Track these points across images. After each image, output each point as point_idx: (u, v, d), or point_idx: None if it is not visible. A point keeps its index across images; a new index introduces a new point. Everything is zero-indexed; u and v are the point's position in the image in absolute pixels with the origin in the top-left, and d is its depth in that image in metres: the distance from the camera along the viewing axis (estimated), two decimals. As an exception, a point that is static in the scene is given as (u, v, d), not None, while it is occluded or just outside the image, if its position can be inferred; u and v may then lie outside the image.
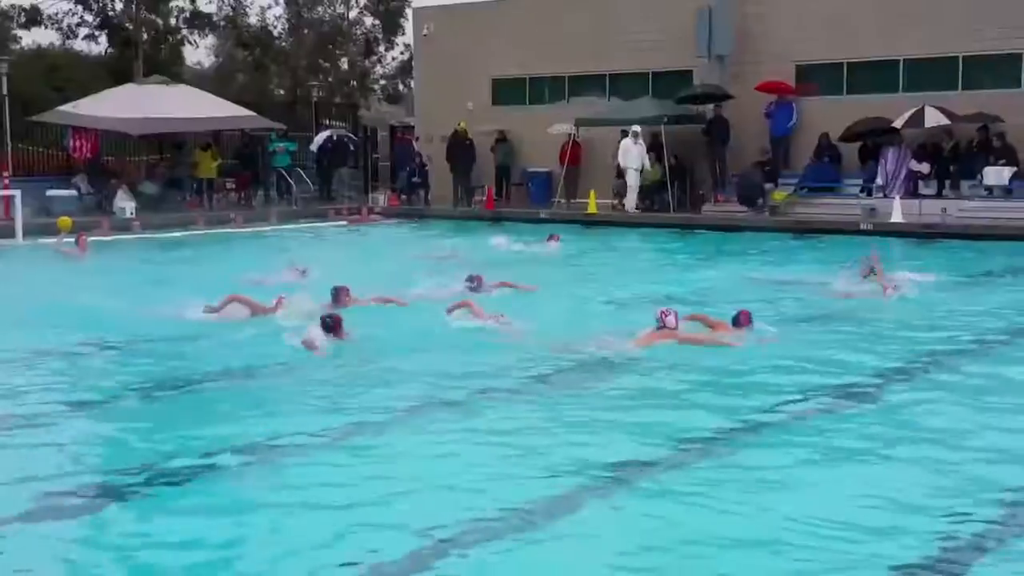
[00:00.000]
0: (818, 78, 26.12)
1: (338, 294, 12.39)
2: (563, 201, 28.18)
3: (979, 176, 23.00)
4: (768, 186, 24.64)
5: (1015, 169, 22.58)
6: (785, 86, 25.92)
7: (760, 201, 24.64)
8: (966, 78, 24.10)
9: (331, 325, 10.79)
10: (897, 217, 22.36)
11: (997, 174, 22.70)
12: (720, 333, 10.98)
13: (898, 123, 23.51)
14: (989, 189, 22.85)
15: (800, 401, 9.12)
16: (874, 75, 25.26)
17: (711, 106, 26.45)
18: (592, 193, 26.63)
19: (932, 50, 24.28)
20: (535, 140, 29.47)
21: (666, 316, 10.78)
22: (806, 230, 23.01)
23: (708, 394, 9.40)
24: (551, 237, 20.27)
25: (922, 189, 23.62)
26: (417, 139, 32.61)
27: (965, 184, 23.27)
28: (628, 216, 26.20)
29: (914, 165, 23.69)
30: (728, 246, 21.44)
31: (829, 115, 25.04)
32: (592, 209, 26.46)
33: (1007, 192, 22.66)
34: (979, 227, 21.51)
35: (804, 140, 25.68)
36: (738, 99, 26.02)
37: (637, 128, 25.80)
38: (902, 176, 23.67)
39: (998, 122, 23.05)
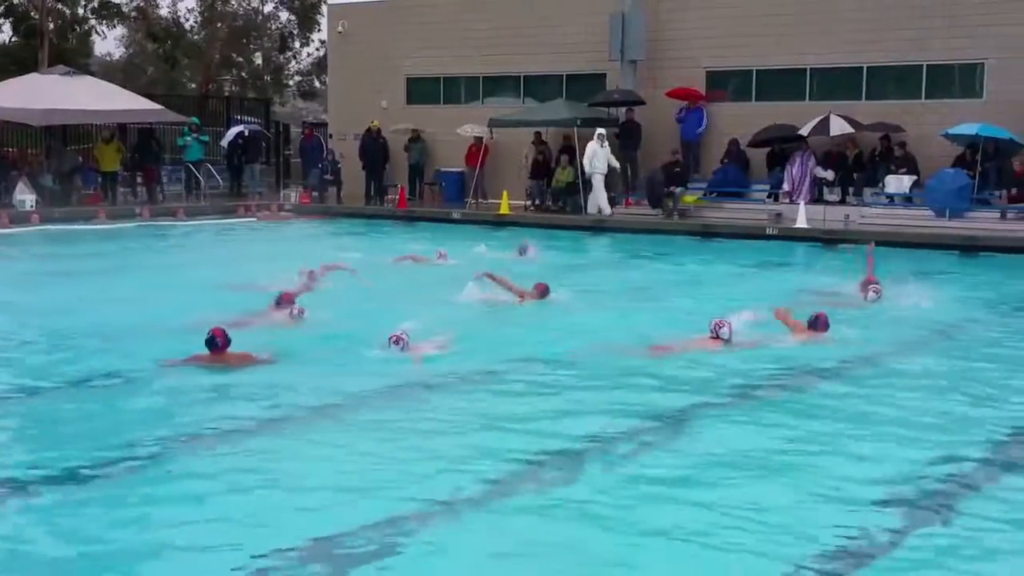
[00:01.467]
0: (728, 85, 26.52)
1: (281, 300, 12.42)
2: (474, 201, 28.20)
3: (881, 184, 23.54)
4: (678, 189, 24.90)
5: (915, 178, 23.14)
6: (695, 92, 26.27)
7: (670, 204, 24.89)
8: (870, 88, 24.64)
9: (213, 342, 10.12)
10: (802, 223, 22.76)
11: (898, 182, 23.25)
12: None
13: (804, 131, 23.94)
14: (890, 197, 23.39)
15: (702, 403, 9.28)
16: (782, 83, 25.69)
17: (624, 110, 26.68)
18: (505, 194, 26.66)
19: (838, 59, 24.78)
20: (449, 140, 29.46)
21: (720, 328, 11.00)
22: (713, 233, 23.33)
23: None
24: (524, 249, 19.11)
25: (827, 196, 24.07)
26: (330, 136, 32.38)
27: (868, 191, 23.79)
28: (538, 217, 26.32)
29: (819, 172, 24.13)
30: (640, 248, 21.62)
31: (738, 121, 25.42)
32: (504, 210, 26.50)
33: (907, 200, 23.21)
34: (880, 233, 21.97)
35: (714, 145, 26.05)
36: (650, 103, 26.29)
37: (602, 130, 25.39)
38: (807, 182, 24.10)
39: (899, 131, 23.60)
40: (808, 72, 25.37)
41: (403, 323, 10.84)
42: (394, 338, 10.43)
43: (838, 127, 23.63)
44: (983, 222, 21.84)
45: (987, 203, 22.43)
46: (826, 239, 22.16)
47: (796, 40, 25.10)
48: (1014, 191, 22.05)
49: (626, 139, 26.51)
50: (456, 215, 27.03)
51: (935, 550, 6.20)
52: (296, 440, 8.12)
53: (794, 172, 24.22)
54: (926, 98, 23.93)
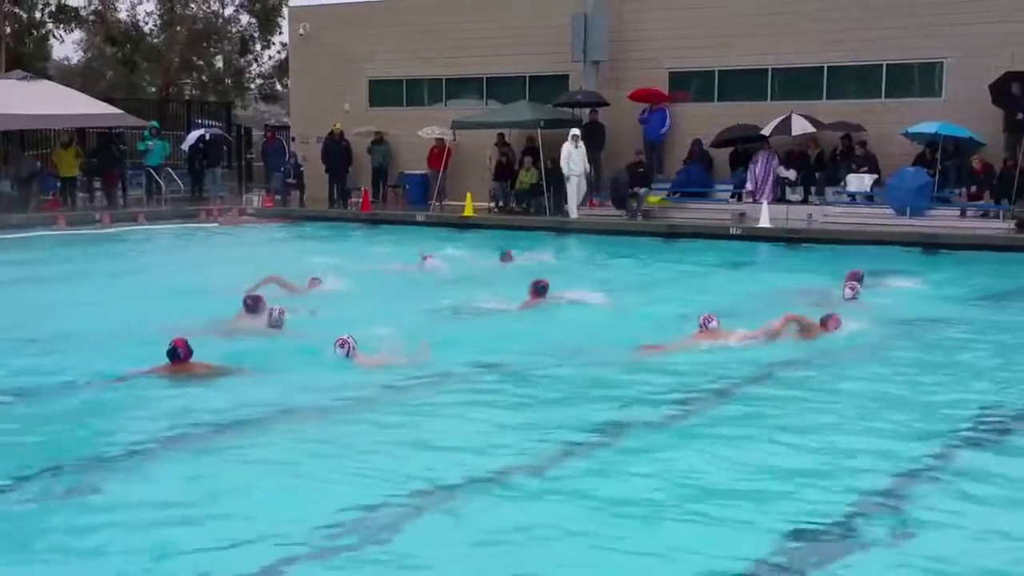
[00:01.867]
0: (690, 85, 26.60)
1: (254, 304, 12.17)
2: (438, 204, 28.12)
3: (843, 183, 23.69)
4: (642, 190, 24.94)
5: (876, 176, 23.30)
6: (658, 93, 26.33)
7: (634, 205, 24.93)
8: (831, 87, 24.79)
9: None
10: (765, 222, 22.85)
11: (859, 181, 23.41)
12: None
13: (767, 130, 24.04)
14: (852, 196, 23.55)
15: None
16: (744, 83, 25.80)
17: (587, 111, 26.69)
18: (468, 196, 26.61)
19: (799, 60, 24.92)
20: (412, 142, 29.36)
21: (709, 322, 11.55)
22: (678, 234, 23.38)
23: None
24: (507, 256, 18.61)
25: (789, 195, 24.19)
26: (293, 139, 32.19)
27: (830, 190, 23.93)
28: (502, 219, 26.30)
29: (782, 171, 24.24)
30: (609, 248, 21.64)
31: (701, 121, 25.49)
32: (468, 212, 26.44)
33: (868, 199, 23.37)
34: (842, 232, 22.14)
35: (677, 146, 26.11)
36: (613, 104, 26.32)
37: (576, 131, 25.19)
38: (770, 182, 24.21)
39: (860, 131, 23.76)
40: (770, 72, 25.48)
41: (380, 329, 10.77)
42: (340, 342, 10.28)
43: (800, 127, 23.74)
44: (943, 220, 22.03)
45: (947, 201, 22.61)
46: (789, 238, 22.28)
47: (757, 40, 25.19)
48: (973, 189, 22.27)
49: (590, 140, 26.48)
50: (420, 217, 26.94)
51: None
52: (244, 453, 7.97)
53: (757, 172, 24.32)
54: (886, 97, 24.10)
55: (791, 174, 24.24)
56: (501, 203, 27.68)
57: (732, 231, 23.03)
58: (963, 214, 22.17)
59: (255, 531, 6.22)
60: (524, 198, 27.09)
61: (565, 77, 27.61)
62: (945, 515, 6.69)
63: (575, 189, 25.14)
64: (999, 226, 21.47)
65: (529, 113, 26.65)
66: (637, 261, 20.00)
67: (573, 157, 24.92)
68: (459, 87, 30.00)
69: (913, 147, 23.15)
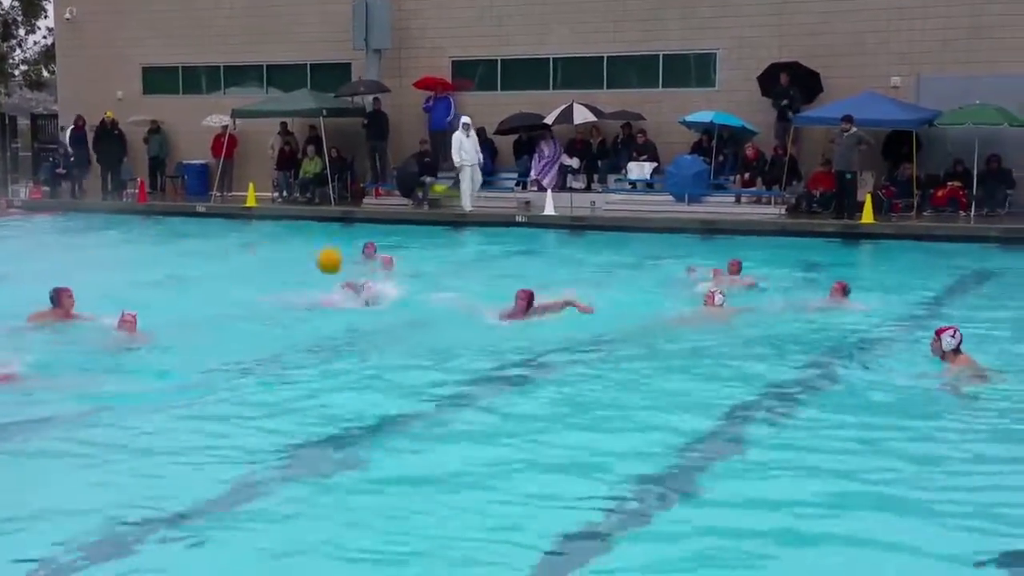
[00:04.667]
0: (474, 74, 26.57)
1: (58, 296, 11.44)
2: (219, 194, 27.20)
3: (624, 171, 24.15)
4: (428, 179, 24.76)
5: (655, 164, 23.85)
6: (443, 82, 26.19)
7: (420, 194, 24.73)
8: (611, 77, 25.21)
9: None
10: (550, 210, 23.05)
11: (639, 169, 23.92)
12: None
13: (549, 119, 24.27)
14: (633, 183, 24.04)
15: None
16: (527, 72, 25.97)
17: (371, 99, 26.30)
18: (251, 186, 25.84)
19: (579, 49, 25.23)
20: (191, 131, 28.33)
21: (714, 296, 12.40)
22: (464, 223, 23.33)
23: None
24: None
25: (572, 183, 24.51)
26: (62, 129, 30.52)
27: (612, 178, 24.36)
28: (285, 210, 25.70)
29: (565, 160, 24.54)
30: (397, 238, 21.31)
31: (485, 110, 25.50)
32: (251, 203, 25.68)
33: (649, 186, 23.90)
34: (624, 219, 22.56)
35: (462, 134, 26.03)
36: (398, 93, 26.05)
37: (467, 119, 24.17)
38: (554, 170, 24.45)
39: (640, 119, 24.26)
40: (551, 61, 25.73)
41: None
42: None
43: (581, 115, 24.09)
44: (720, 206, 22.74)
45: (723, 188, 23.35)
46: (574, 226, 22.55)
47: (539, 30, 25.39)
48: (747, 176, 23.06)
49: (373, 129, 26.16)
50: (201, 208, 26.03)
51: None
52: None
53: (540, 160, 24.50)
54: (664, 87, 24.68)
55: (574, 162, 24.56)
56: (285, 193, 27.02)
57: (518, 219, 23.14)
58: (738, 200, 22.95)
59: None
60: (308, 188, 26.50)
61: (348, 65, 27.17)
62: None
63: (468, 179, 24.05)
64: (771, 211, 22.32)
65: (311, 102, 26.09)
66: (424, 251, 19.80)
67: (464, 146, 23.86)
68: (239, 75, 29.10)
69: (690, 135, 23.82)
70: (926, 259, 18.29)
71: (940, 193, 21.84)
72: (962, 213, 21.47)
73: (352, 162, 26.78)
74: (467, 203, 23.90)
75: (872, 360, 10.45)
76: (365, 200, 25.80)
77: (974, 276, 16.44)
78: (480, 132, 25.31)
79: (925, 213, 21.69)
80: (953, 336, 9.57)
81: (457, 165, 23.91)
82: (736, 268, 14.88)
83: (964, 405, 8.86)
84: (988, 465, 7.46)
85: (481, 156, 24.07)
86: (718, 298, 12.41)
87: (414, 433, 8.10)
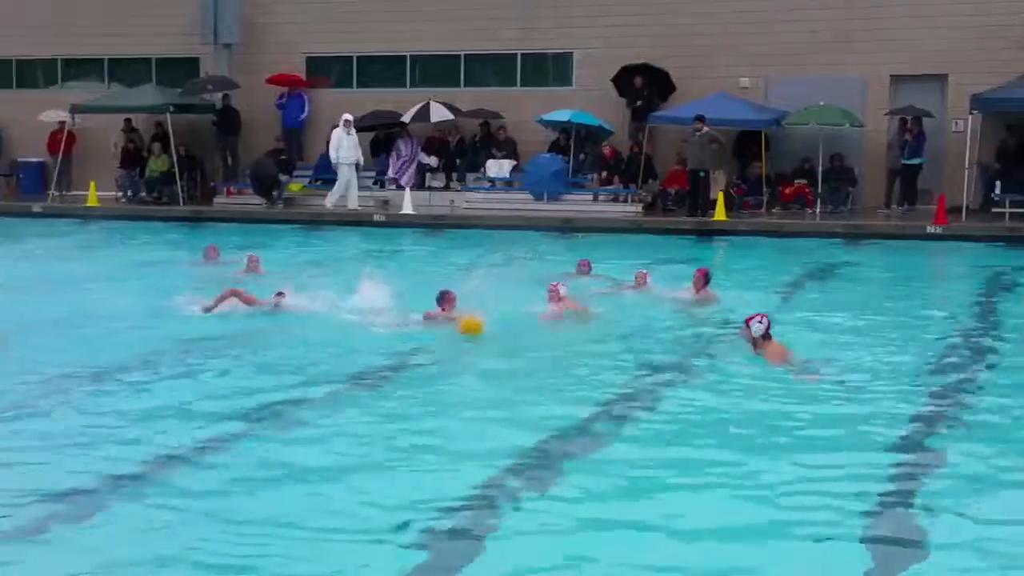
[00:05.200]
0: (329, 71, 26.20)
1: None
2: (58, 193, 26.09)
3: (483, 169, 24.19)
4: (284, 178, 24.28)
5: (514, 162, 23.98)
6: (296, 78, 25.75)
7: (275, 193, 24.22)
8: (469, 75, 25.21)
9: None
10: (408, 209, 22.91)
11: (498, 167, 24.01)
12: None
13: (406, 117, 24.14)
14: (492, 181, 24.11)
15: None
16: (383, 69, 25.78)
17: (220, 95, 25.64)
18: (92, 185, 24.85)
19: (437, 47, 25.14)
20: (26, 127, 27.07)
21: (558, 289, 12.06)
22: (321, 222, 22.98)
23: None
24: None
25: (431, 181, 24.42)
26: None
27: (471, 177, 24.37)
28: (130, 210, 24.86)
29: (423, 158, 24.43)
30: (253, 238, 20.82)
31: (341, 108, 25.03)
32: (92, 202, 24.70)
33: (508, 184, 24.02)
34: (483, 218, 22.58)
35: (318, 132, 25.60)
36: (250, 90, 25.49)
37: (348, 116, 23.43)
38: (412, 169, 24.31)
39: (498, 118, 24.34)
40: (408, 59, 25.59)
41: None
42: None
43: (439, 114, 24.07)
44: (578, 204, 23.01)
45: (581, 186, 23.62)
46: (433, 224, 22.46)
47: (395, 27, 25.18)
48: (604, 174, 23.38)
49: (224, 126, 25.54)
50: (37, 208, 24.95)
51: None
52: None
53: (398, 159, 24.32)
54: (522, 86, 24.83)
55: (432, 161, 24.48)
56: (130, 192, 26.07)
57: (376, 218, 22.93)
58: (596, 198, 23.25)
59: None
60: (155, 187, 25.64)
61: (196, 61, 26.45)
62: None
63: (343, 179, 23.35)
64: (628, 209, 22.69)
65: (157, 97, 25.29)
66: (280, 251, 19.38)
67: (343, 144, 23.25)
68: (78, 69, 28.00)
69: (548, 134, 24.01)
70: (775, 254, 18.91)
71: (788, 190, 22.60)
72: (808, 210, 22.26)
73: (202, 160, 26.03)
74: (330, 201, 23.49)
75: (714, 350, 10.77)
76: (216, 199, 25.12)
77: (819, 270, 17.03)
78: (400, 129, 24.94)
79: (774, 210, 22.40)
80: (760, 322, 9.87)
81: (334, 163, 23.43)
82: (586, 268, 15.06)
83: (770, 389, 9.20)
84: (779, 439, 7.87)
85: (361, 155, 23.62)
86: (562, 290, 12.06)
87: (266, 436, 7.96)
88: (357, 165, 23.58)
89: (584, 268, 15.05)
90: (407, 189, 23.37)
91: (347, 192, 23.45)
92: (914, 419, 8.49)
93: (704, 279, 13.23)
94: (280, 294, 12.34)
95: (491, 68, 25.21)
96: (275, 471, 7.06)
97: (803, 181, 22.54)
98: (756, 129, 22.42)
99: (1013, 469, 7.35)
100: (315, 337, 11.15)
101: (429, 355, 10.58)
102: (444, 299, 11.51)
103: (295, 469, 7.09)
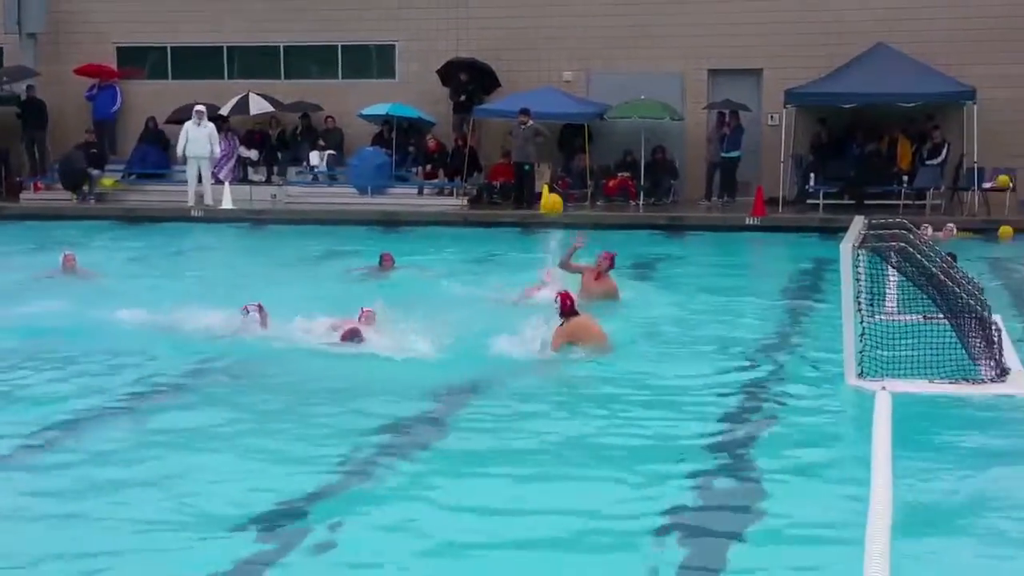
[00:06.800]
0: (142, 61, 25.22)
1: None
2: None
3: (305, 163, 23.70)
4: (95, 172, 23.24)
5: (336, 155, 23.55)
6: (107, 69, 24.72)
7: (86, 188, 23.17)
8: (289, 67, 24.64)
9: None
10: (228, 204, 22.24)
11: (320, 160, 23.54)
12: None
13: (225, 110, 23.47)
14: (315, 175, 23.64)
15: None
16: (200, 60, 24.96)
17: (24, 86, 24.37)
18: None
19: (255, 38, 24.49)
20: None
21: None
22: (136, 218, 22.10)
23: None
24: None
25: (252, 175, 23.80)
26: None
27: (293, 170, 23.83)
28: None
29: (243, 151, 23.81)
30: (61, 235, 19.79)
31: (156, 99, 24.35)
32: None
33: (332, 178, 23.58)
34: (307, 212, 22.09)
35: (130, 124, 24.63)
36: (59, 80, 24.36)
37: (201, 108, 22.22)
38: (231, 162, 23.62)
39: (319, 110, 23.88)
40: (225, 50, 24.84)
41: None
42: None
43: (258, 106, 23.54)
44: (403, 197, 22.72)
45: (405, 180, 23.33)
46: (255, 219, 21.87)
47: (212, 17, 24.44)
48: (429, 168, 23.16)
49: (29, 118, 24.29)
50: None
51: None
52: None
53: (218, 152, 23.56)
54: (344, 78, 24.38)
55: (252, 154, 23.90)
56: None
57: (194, 214, 22.18)
58: (421, 192, 23.00)
59: None
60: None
61: (-1, 50, 25.14)
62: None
63: (194, 174, 22.27)
64: (454, 203, 22.52)
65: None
66: (96, 250, 18.48)
67: (192, 136, 22.08)
68: None
69: (372, 127, 23.66)
70: (600, 246, 18.88)
71: (612, 183, 22.79)
72: (632, 202, 22.48)
73: (7, 154, 24.68)
74: (192, 198, 22.50)
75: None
76: (23, 195, 23.85)
77: (642, 263, 17.17)
78: (151, 122, 24.09)
79: (598, 203, 22.55)
80: (557, 301, 10.02)
81: (180, 156, 22.54)
82: (389, 262, 14.83)
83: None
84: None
85: (217, 148, 22.54)
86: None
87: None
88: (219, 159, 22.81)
89: (387, 262, 14.79)
90: (227, 183, 22.67)
91: (201, 187, 22.43)
92: (726, 405, 8.60)
93: (610, 262, 12.69)
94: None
95: (312, 60, 24.69)
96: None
97: (626, 174, 22.75)
98: (579, 122, 22.53)
99: (821, 464, 7.43)
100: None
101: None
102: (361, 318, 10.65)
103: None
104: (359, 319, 10.52)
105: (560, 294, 10.08)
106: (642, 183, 22.40)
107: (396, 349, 9.84)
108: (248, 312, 10.67)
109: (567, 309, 9.89)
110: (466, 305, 11.94)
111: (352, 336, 10.12)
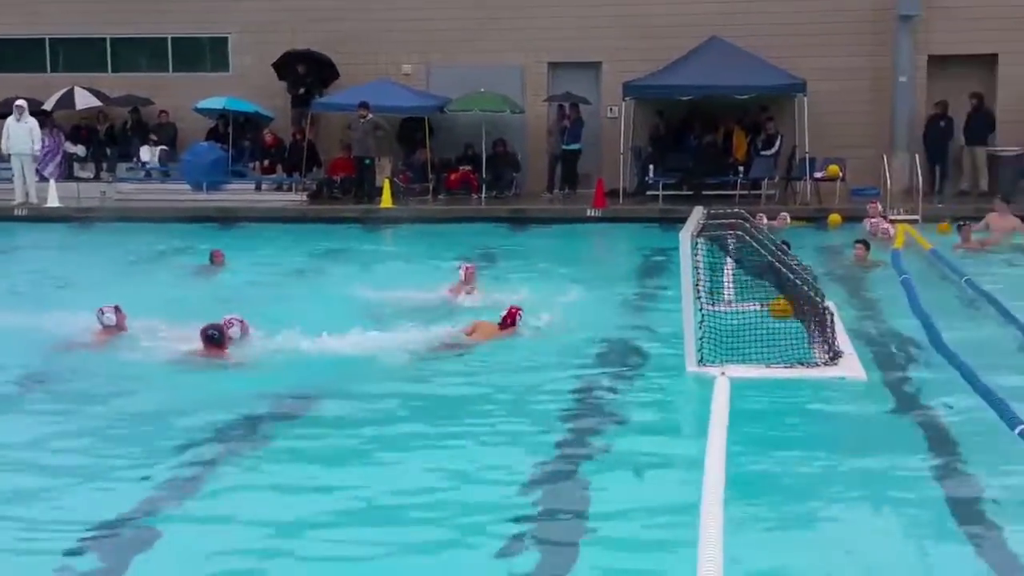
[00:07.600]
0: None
1: None
2: None
3: (135, 159, 22.91)
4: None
5: (168, 150, 22.85)
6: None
7: None
8: (117, 59, 23.77)
9: None
10: (54, 202, 21.31)
11: (151, 155, 22.80)
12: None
13: (48, 104, 22.57)
14: (148, 172, 22.89)
15: None
16: (20, 53, 23.92)
17: None
18: None
19: (79, 30, 23.56)
20: None
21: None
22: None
23: None
24: None
25: (79, 172, 22.92)
26: None
27: (123, 166, 23.01)
28: None
29: (69, 147, 22.91)
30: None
31: (-29, 94, 23.12)
32: None
33: (165, 175, 22.86)
34: (137, 209, 21.30)
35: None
36: None
37: (22, 102, 20.93)
38: (57, 159, 22.65)
39: (150, 104, 23.19)
40: (48, 42, 23.82)
41: None
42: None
43: (84, 100, 22.76)
44: (240, 193, 22.16)
45: (242, 175, 22.74)
46: (83, 218, 20.97)
47: (32, 8, 23.43)
48: (267, 163, 22.63)
49: None
50: None
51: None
52: None
53: (41, 148, 22.51)
54: (175, 71, 23.65)
55: (79, 150, 23.03)
56: None
57: (18, 212, 21.18)
58: (258, 188, 22.46)
59: None
60: None
61: None
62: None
63: (19, 172, 21.15)
64: (293, 198, 22.05)
65: None
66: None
67: (12, 132, 20.98)
68: None
69: (207, 122, 23.00)
70: (442, 240, 18.82)
71: (453, 176, 22.65)
72: (474, 195, 22.38)
73: None
74: (19, 196, 21.47)
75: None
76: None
77: (485, 255, 17.09)
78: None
79: (440, 196, 22.38)
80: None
81: (4, 153, 21.40)
82: (220, 259, 14.47)
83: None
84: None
85: (38, 145, 21.44)
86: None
87: None
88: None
89: (218, 259, 14.37)
90: (52, 181, 21.68)
91: (26, 185, 21.40)
92: (567, 394, 8.55)
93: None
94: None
95: (141, 52, 23.86)
96: None
97: (468, 167, 22.64)
98: (420, 116, 22.32)
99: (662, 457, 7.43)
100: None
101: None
102: None
103: None
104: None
105: (512, 308, 10.59)
106: (484, 176, 22.33)
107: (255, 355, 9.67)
108: (104, 314, 10.23)
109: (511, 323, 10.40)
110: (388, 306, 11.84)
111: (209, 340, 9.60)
